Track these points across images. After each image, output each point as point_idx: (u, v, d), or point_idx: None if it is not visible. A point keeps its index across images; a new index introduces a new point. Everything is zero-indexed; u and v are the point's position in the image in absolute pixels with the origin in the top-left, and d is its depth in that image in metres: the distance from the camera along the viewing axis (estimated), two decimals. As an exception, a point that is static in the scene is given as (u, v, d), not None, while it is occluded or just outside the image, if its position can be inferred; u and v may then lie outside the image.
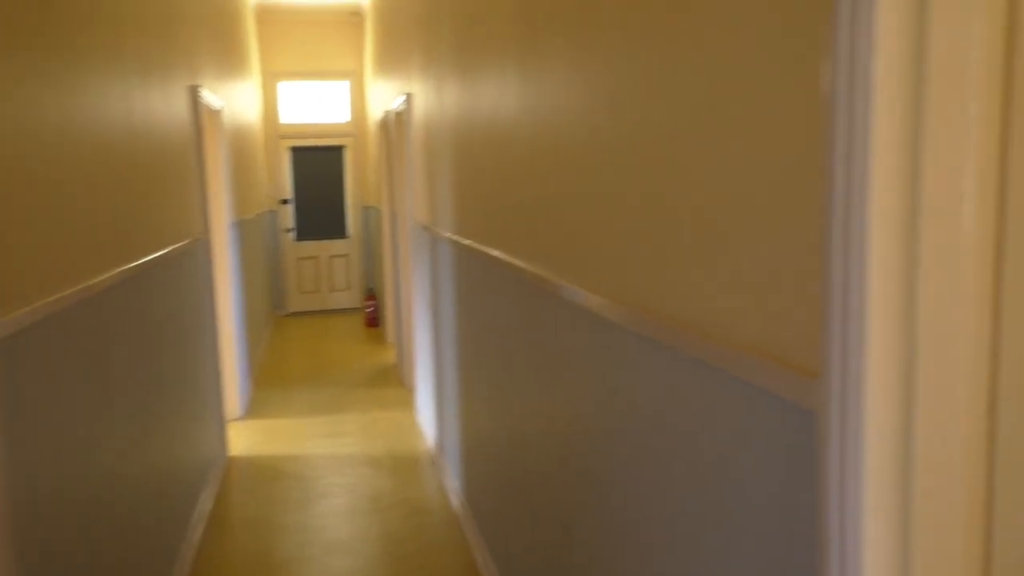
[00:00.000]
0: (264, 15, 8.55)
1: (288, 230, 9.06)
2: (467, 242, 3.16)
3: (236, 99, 6.27)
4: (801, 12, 0.97)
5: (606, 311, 1.63)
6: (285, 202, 9.01)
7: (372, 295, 8.39)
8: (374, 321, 8.29)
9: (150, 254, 3.02)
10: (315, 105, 8.98)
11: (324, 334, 8.18)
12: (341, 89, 8.98)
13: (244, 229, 6.22)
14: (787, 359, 1.03)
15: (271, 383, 6.33)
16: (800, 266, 1.00)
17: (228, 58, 5.93)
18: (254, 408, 5.63)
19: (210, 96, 4.64)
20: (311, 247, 9.18)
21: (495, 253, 2.66)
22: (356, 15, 8.64)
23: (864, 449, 0.87)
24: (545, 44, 2.00)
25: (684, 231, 1.30)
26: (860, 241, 0.85)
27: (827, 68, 0.90)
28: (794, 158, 1.00)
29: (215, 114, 4.97)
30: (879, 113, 0.83)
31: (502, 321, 2.68)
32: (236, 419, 5.33)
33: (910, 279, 0.85)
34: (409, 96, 4.68)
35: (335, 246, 9.24)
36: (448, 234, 3.65)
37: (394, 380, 6.30)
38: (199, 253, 4.13)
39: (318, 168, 9.16)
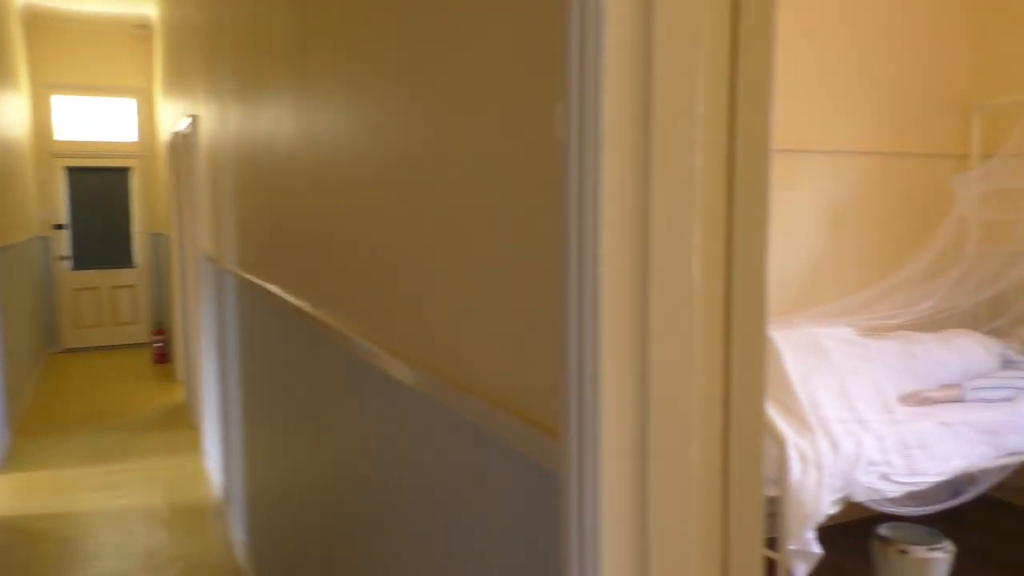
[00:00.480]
0: (35, 21, 7.77)
1: (63, 258, 8.22)
2: (249, 277, 2.96)
3: (-4, 112, 5.61)
4: (542, 59, 0.94)
5: (376, 359, 1.53)
6: (60, 227, 8.18)
7: (161, 329, 7.77)
8: (163, 357, 7.67)
9: None
10: (98, 123, 8.26)
11: (106, 372, 7.46)
12: (128, 107, 8.32)
13: (3, 257, 5.55)
14: (541, 420, 0.98)
15: (37, 431, 5.65)
16: (547, 320, 0.96)
17: (-15, 67, 5.29)
18: (13, 460, 4.98)
19: (-44, 108, 4.10)
20: (92, 277, 8.37)
21: (273, 289, 2.49)
22: (143, 28, 8.06)
23: (600, 512, 0.83)
24: (319, 74, 1.90)
25: (441, 280, 1.24)
26: (593, 298, 0.81)
27: (560, 118, 0.86)
28: (540, 212, 0.96)
29: (-36, 129, 4.39)
30: (608, 165, 0.80)
31: (283, 362, 2.51)
32: (-13, 474, 4.68)
33: (642, 337, 0.83)
34: (195, 118, 4.38)
35: (120, 276, 8.49)
36: (232, 267, 3.41)
37: (183, 422, 5.83)
38: (-65, 287, 3.60)
39: (101, 191, 8.41)
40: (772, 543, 2.49)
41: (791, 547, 2.40)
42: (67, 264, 8.25)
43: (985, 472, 2.79)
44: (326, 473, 2.06)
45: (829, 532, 2.45)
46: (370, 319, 1.59)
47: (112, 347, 8.51)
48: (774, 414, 2.53)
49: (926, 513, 2.67)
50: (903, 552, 2.58)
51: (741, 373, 0.91)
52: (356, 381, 1.70)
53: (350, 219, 1.69)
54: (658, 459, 0.84)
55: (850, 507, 2.52)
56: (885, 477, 2.54)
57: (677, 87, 0.82)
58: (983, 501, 3.00)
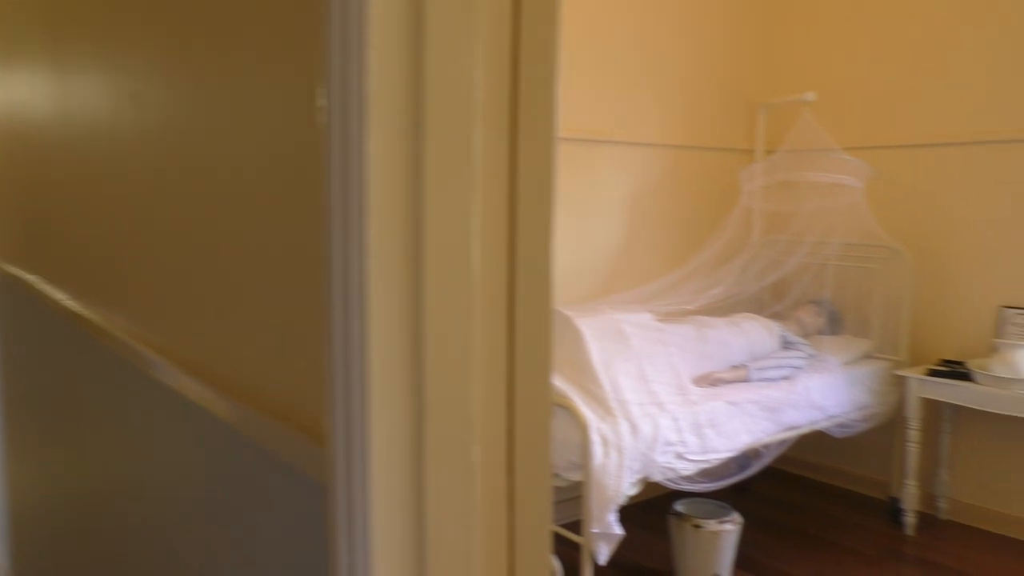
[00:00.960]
0: None
1: None
2: (5, 266, 2.60)
3: None
4: (304, 39, 0.84)
5: (138, 359, 1.36)
6: None
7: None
8: (-84, 358, 6.70)
9: None
10: None
11: None
12: None
13: None
14: (311, 426, 0.88)
15: None
16: (316, 314, 0.86)
17: None
18: None
19: None
20: None
21: (32, 279, 2.20)
22: None
23: (371, 525, 0.75)
24: (74, 34, 1.66)
25: (206, 270, 1.10)
26: (360, 290, 0.73)
27: (322, 99, 0.77)
28: (308, 198, 0.86)
29: None
30: (375, 147, 0.72)
31: (46, 363, 2.22)
32: None
33: (416, 330, 0.75)
34: (-56, 84, 3.81)
35: None
36: (-12, 255, 2.99)
37: (-62, 431, 5.11)
38: None
39: None
40: (576, 526, 2.53)
41: (594, 530, 2.45)
42: None
43: (768, 446, 3.00)
44: (96, 487, 1.84)
45: (629, 510, 2.52)
46: (134, 314, 1.41)
47: None
48: (578, 399, 2.57)
49: (716, 488, 2.82)
50: (697, 527, 2.72)
51: (527, 365, 0.86)
52: (121, 384, 1.51)
53: (110, 201, 1.49)
54: (436, 464, 0.77)
55: (649, 485, 2.61)
56: (680, 456, 2.65)
57: (452, 65, 0.75)
58: (765, 473, 3.23)
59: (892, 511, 3.46)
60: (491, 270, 0.81)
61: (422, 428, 0.76)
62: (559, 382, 2.61)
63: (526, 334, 0.85)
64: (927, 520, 3.47)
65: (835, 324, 3.61)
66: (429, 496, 0.76)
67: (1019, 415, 3.03)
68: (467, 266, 0.78)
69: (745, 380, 3.06)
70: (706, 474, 2.77)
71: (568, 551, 2.53)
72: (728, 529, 2.73)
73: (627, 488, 2.50)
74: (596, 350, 2.71)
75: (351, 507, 0.75)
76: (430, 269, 0.75)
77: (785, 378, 3.11)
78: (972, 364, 3.19)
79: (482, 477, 0.81)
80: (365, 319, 0.73)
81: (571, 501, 2.83)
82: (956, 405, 3.29)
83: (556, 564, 2.60)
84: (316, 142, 0.83)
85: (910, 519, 3.36)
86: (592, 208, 3.51)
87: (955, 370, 3.23)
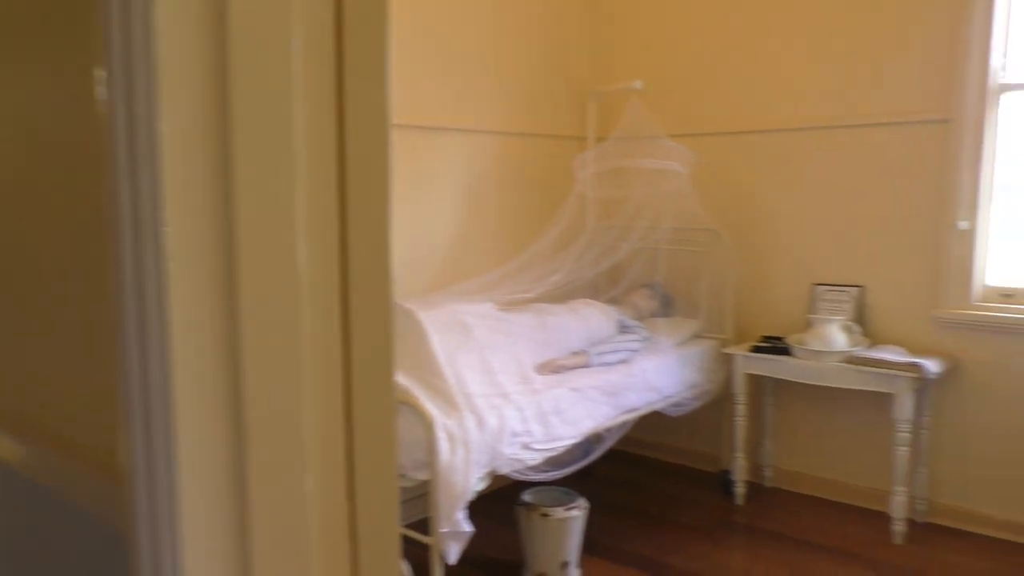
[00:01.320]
0: None
1: None
2: None
3: None
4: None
5: None
6: None
7: None
8: None
9: None
10: None
11: None
12: None
13: None
14: (107, 465, 0.74)
15: None
16: (107, 331, 0.72)
17: None
18: None
19: None
20: None
21: None
22: None
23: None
24: None
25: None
26: (158, 296, 0.60)
27: (101, 69, 0.63)
28: (91, 193, 0.72)
29: None
30: (169, 126, 0.60)
31: None
32: None
33: (231, 342, 0.64)
34: None
35: None
36: None
37: None
38: None
39: None
40: (424, 524, 2.45)
41: (443, 530, 2.38)
42: None
43: (609, 430, 3.05)
44: None
45: (476, 502, 2.47)
46: None
47: None
48: (422, 396, 2.48)
49: (562, 475, 2.84)
50: (544, 515, 2.71)
51: (366, 369, 0.76)
52: None
53: None
54: (263, 498, 0.66)
55: (496, 477, 2.58)
56: (527, 446, 2.63)
57: (264, 29, 0.64)
58: (607, 456, 3.29)
59: (724, 483, 3.64)
60: (320, 266, 0.71)
61: (244, 458, 0.65)
62: (402, 378, 2.51)
63: (364, 334, 0.75)
64: (755, 489, 3.67)
65: (667, 306, 3.74)
66: (255, 537, 0.65)
67: (832, 385, 3.25)
68: (291, 263, 0.67)
69: (585, 365, 3.09)
70: (552, 462, 2.77)
71: (417, 551, 2.45)
72: (575, 515, 2.75)
73: (475, 484, 2.45)
74: (439, 343, 2.64)
75: (158, 559, 0.63)
76: (246, 268, 0.64)
77: (623, 362, 3.18)
78: (790, 339, 3.39)
79: (319, 503, 0.71)
80: (165, 330, 0.61)
81: (418, 499, 2.74)
82: (777, 379, 3.50)
83: (405, 568, 2.51)
84: (99, 124, 0.70)
85: (740, 489, 3.54)
86: (427, 196, 3.42)
87: (775, 346, 3.42)
